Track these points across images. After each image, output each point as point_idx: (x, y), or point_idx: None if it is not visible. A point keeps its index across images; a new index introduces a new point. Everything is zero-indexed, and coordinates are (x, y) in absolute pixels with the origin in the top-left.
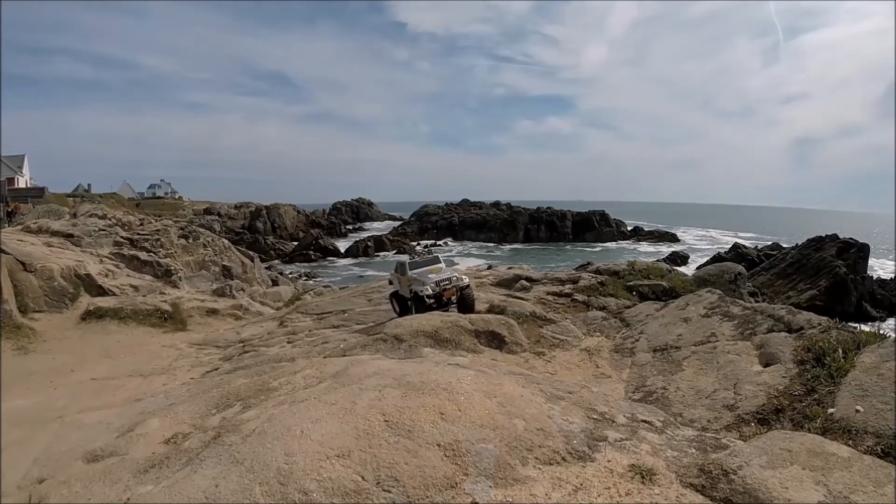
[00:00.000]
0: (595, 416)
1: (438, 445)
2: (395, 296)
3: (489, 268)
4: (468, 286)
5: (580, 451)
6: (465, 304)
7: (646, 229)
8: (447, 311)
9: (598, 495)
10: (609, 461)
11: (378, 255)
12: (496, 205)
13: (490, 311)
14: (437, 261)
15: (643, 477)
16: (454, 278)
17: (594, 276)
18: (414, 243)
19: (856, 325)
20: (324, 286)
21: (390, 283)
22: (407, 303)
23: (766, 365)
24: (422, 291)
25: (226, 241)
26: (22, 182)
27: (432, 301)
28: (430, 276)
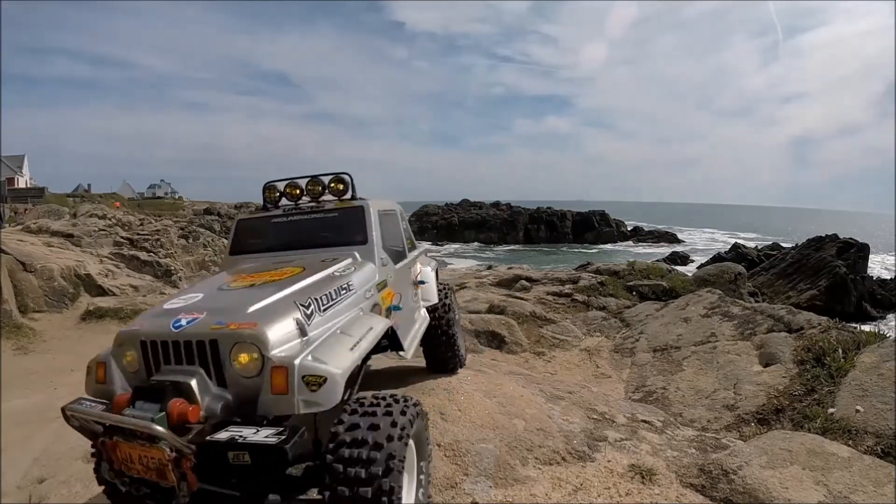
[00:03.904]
0: (595, 416)
1: (438, 445)
2: None
3: (489, 268)
4: None
5: (580, 451)
6: None
7: (646, 229)
8: None
9: (598, 495)
10: (609, 461)
11: None
12: (496, 205)
13: (490, 311)
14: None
15: (643, 477)
16: None
17: (594, 276)
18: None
19: (856, 325)
20: None
21: None
22: None
23: (766, 365)
24: None
25: (226, 241)
26: (22, 182)
27: None
28: None
